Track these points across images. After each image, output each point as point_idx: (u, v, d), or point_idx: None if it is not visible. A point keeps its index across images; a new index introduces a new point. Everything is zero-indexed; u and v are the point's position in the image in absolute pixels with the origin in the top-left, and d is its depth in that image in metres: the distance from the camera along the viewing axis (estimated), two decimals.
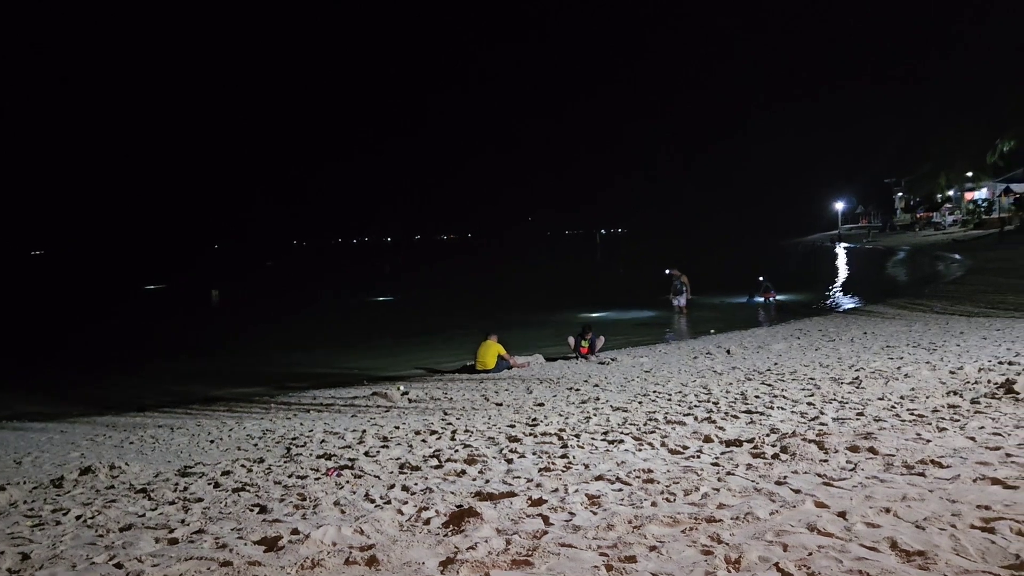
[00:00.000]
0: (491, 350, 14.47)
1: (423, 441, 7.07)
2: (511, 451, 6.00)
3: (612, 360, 14.26)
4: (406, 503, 4.52)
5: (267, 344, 21.37)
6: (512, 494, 4.51)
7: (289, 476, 5.96)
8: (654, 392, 9.26)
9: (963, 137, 59.29)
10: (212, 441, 9.08)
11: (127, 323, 30.26)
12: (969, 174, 64.87)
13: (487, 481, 5.00)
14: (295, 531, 4.02)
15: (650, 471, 4.78)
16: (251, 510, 4.77)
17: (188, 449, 8.71)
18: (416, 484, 5.10)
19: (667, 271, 23.41)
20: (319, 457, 6.74)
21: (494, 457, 5.83)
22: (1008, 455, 4.45)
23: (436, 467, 5.66)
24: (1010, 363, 8.45)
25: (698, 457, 5.21)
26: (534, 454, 5.81)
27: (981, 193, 67.70)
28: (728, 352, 13.59)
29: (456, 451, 6.26)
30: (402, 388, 12.01)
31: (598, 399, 9.08)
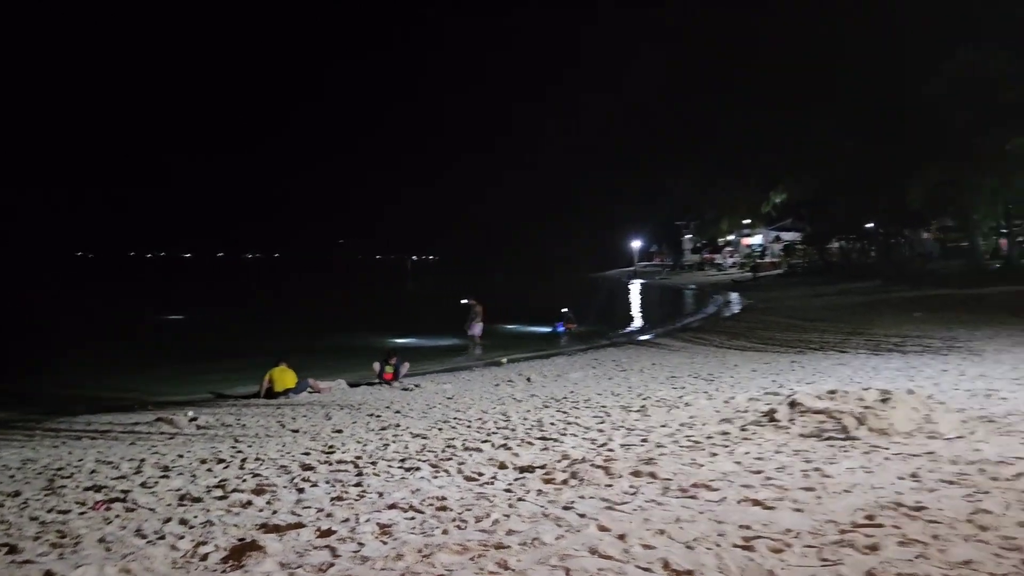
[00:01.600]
0: (288, 373, 13.98)
1: (208, 470, 6.64)
2: (303, 480, 5.78)
3: (416, 386, 14.21)
4: (182, 538, 4.21)
5: (34, 364, 19.20)
6: (300, 525, 4.34)
7: (49, 511, 5.38)
8: (455, 419, 9.31)
9: (742, 187, 65.59)
10: None
11: None
12: (747, 221, 71.61)
13: (275, 512, 4.78)
14: (48, 573, 3.61)
15: (444, 498, 4.78)
16: None
17: None
18: (196, 517, 4.77)
19: (463, 301, 23.92)
20: (87, 489, 6.13)
21: (284, 486, 5.58)
22: (768, 478, 4.88)
23: (220, 498, 5.33)
24: (775, 393, 9.31)
25: (492, 483, 5.28)
26: (327, 483, 5.62)
27: (757, 239, 75.01)
28: (528, 380, 13.97)
29: (244, 480, 5.93)
30: (190, 414, 11.25)
31: (398, 426, 8.98)
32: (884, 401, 6.70)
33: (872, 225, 52.25)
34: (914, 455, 5.35)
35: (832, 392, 7.17)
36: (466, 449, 6.81)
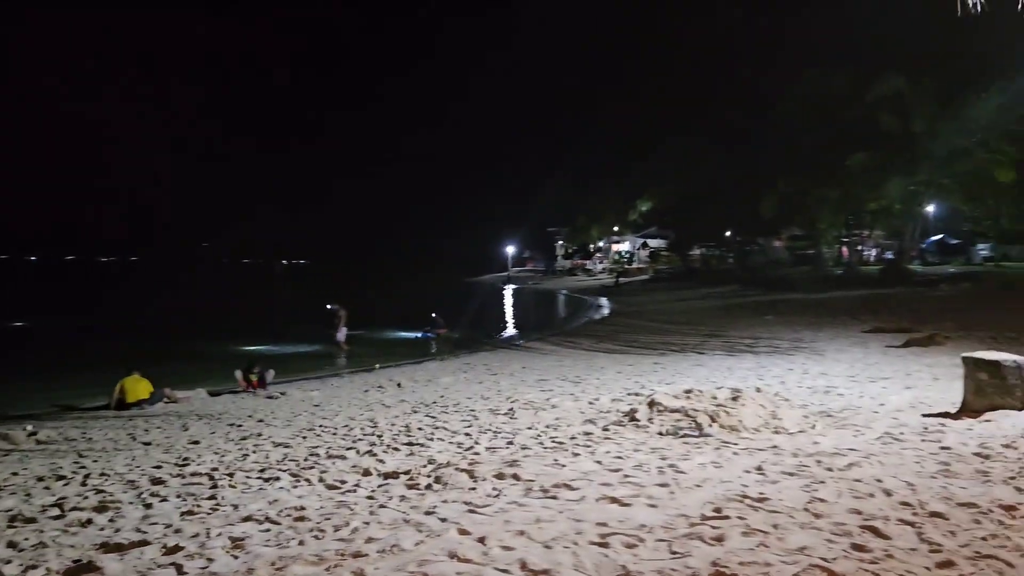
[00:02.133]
0: (142, 383, 13.22)
1: (46, 488, 6.17)
2: (152, 495, 5.47)
3: (282, 394, 13.77)
4: (9, 562, 3.88)
5: None
6: (145, 543, 4.10)
7: None
8: (320, 426, 9.08)
9: (612, 195, 67.85)
10: None
11: None
12: (616, 228, 74.07)
13: (117, 530, 4.49)
14: None
15: (303, 508, 4.64)
16: None
17: None
18: (27, 539, 4.42)
19: (328, 306, 23.49)
20: None
21: (131, 502, 5.26)
22: (626, 476, 5.03)
23: (57, 517, 4.97)
24: (636, 394, 9.65)
25: (355, 491, 5.18)
26: (179, 496, 5.35)
27: (625, 246, 77.69)
28: (399, 385, 13.82)
29: (85, 498, 5.54)
30: (29, 428, 10.42)
31: (260, 435, 8.67)
32: (735, 399, 7.07)
33: (730, 233, 55.16)
34: (760, 449, 5.67)
35: (688, 392, 7.49)
36: (330, 457, 6.66)
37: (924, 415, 7.10)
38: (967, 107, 33.91)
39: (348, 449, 7.02)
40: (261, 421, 10.20)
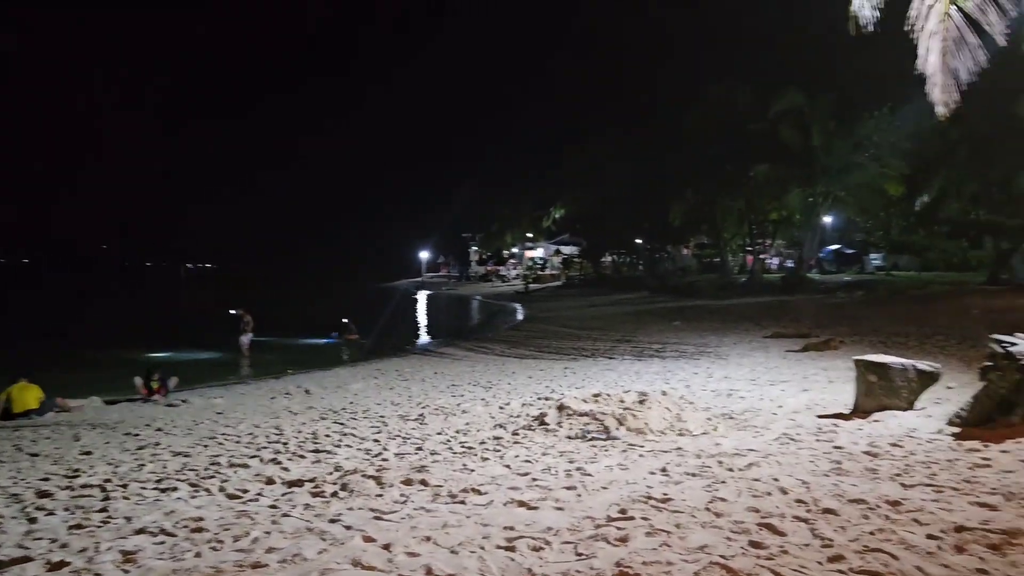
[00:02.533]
0: (30, 391, 12.49)
1: None
2: (37, 508, 5.16)
3: (183, 402, 13.25)
4: None
5: None
6: (27, 559, 3.87)
7: None
8: (223, 434, 8.77)
9: (526, 202, 68.49)
10: None
11: None
12: (530, 235, 74.67)
13: None
14: None
15: (201, 519, 4.47)
16: None
17: None
18: None
19: (232, 311, 22.84)
20: None
21: (13, 517, 4.95)
22: (534, 479, 5.05)
23: None
24: (547, 398, 9.73)
25: (257, 500, 5.02)
26: (67, 510, 5.07)
27: (539, 252, 78.39)
28: (307, 392, 13.52)
29: None
30: None
31: (158, 444, 8.30)
32: (642, 402, 7.20)
33: (640, 241, 56.41)
34: (665, 451, 5.79)
35: (597, 395, 7.59)
36: (232, 466, 6.44)
37: (819, 416, 7.40)
38: (860, 124, 35.82)
39: (251, 457, 6.80)
40: (160, 430, 9.78)
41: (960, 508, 4.05)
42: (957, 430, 6.06)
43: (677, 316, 26.76)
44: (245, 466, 6.35)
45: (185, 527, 4.32)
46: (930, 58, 7.64)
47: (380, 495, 4.85)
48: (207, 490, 5.41)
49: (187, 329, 29.02)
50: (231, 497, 5.17)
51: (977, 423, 6.07)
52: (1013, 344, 6.19)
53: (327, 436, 7.88)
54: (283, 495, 5.12)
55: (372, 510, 4.46)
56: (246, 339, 22.17)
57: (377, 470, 5.52)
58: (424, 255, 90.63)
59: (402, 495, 4.81)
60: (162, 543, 4.03)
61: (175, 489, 5.49)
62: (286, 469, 6.05)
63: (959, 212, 33.26)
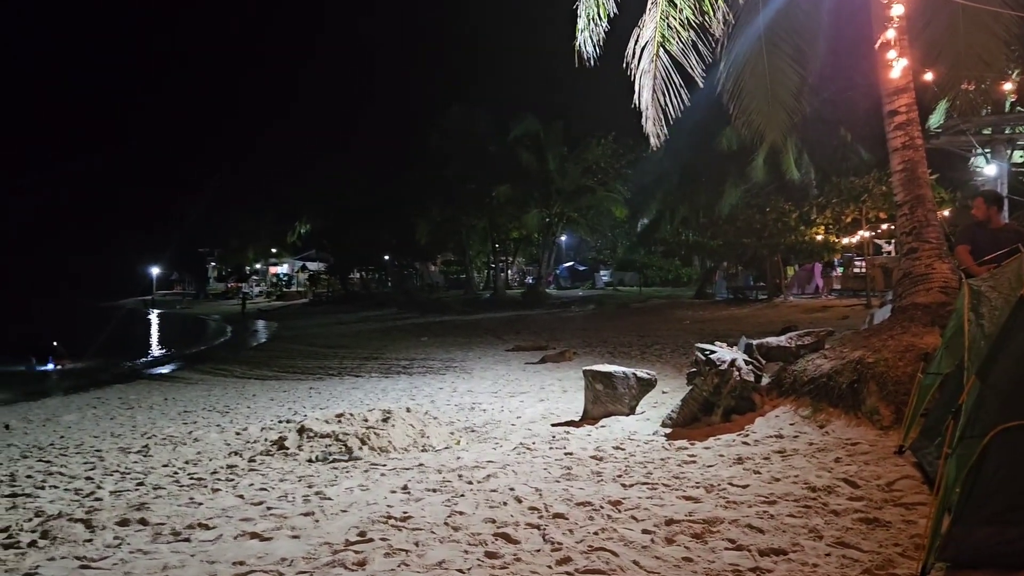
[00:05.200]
0: None
1: None
2: None
3: None
4: None
5: None
6: None
7: None
8: None
9: (268, 216, 65.88)
10: None
11: None
12: (274, 250, 71.77)
13: None
14: None
15: None
16: None
17: None
18: None
19: None
20: None
21: None
22: (269, 508, 4.80)
23: None
24: (288, 421, 9.34)
25: None
26: None
27: (283, 268, 75.57)
28: (7, 427, 11.81)
29: None
30: None
31: None
32: (386, 420, 7.16)
33: (388, 257, 56.51)
34: (407, 468, 5.78)
35: (340, 415, 7.42)
36: None
37: (553, 424, 7.83)
38: (588, 150, 38.93)
39: None
40: None
41: (671, 503, 4.47)
42: (669, 431, 6.70)
43: (425, 332, 27.08)
44: None
45: None
46: (643, 94, 8.45)
47: (90, 540, 4.33)
48: None
49: None
50: None
51: (685, 423, 6.77)
52: (712, 351, 6.99)
53: (28, 477, 6.91)
54: None
55: (79, 558, 3.97)
56: None
57: (87, 512, 4.93)
58: (155, 271, 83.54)
59: (116, 538, 4.34)
60: None
61: None
62: None
63: (672, 233, 37.21)
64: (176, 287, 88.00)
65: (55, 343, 23.03)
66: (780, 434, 6.05)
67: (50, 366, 22.29)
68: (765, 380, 7.30)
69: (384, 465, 5.97)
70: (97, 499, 5.56)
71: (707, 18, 8.33)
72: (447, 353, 19.23)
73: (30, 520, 4.97)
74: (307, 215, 57.47)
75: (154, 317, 59.02)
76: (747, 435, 6.20)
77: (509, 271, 55.06)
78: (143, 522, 4.61)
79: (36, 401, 16.22)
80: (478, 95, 41.57)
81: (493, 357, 17.42)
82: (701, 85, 8.41)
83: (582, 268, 56.28)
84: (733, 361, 6.88)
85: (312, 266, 71.24)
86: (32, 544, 4.36)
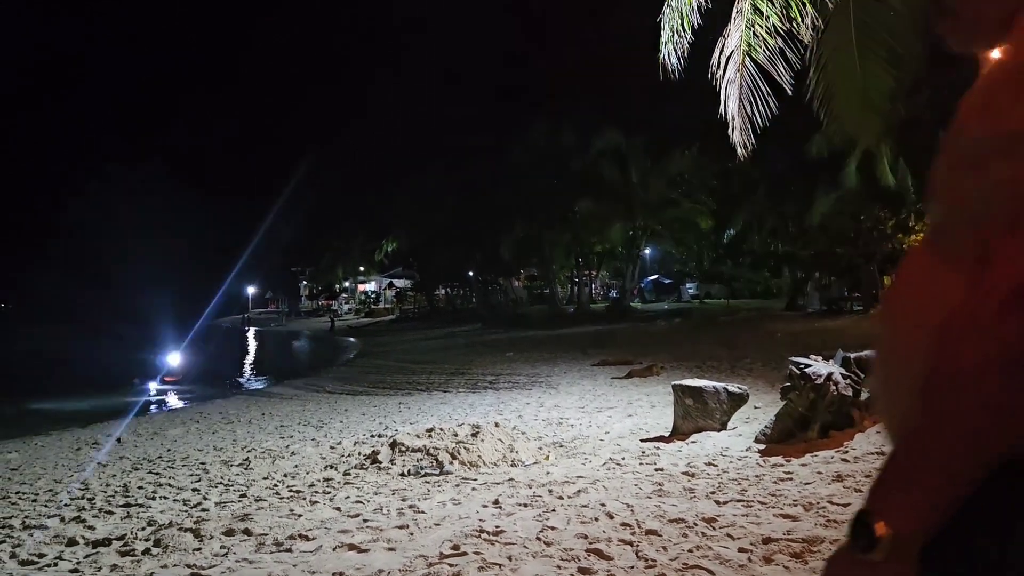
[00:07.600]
0: None
1: None
2: None
3: None
4: None
5: None
6: None
7: None
8: (17, 493, 7.90)
9: (357, 235, 67.63)
10: None
11: None
12: (362, 269, 73.54)
13: None
14: None
15: None
16: None
17: None
18: None
19: None
20: None
21: None
22: (365, 520, 4.92)
23: None
24: (380, 435, 9.55)
25: (56, 565, 4.56)
26: None
27: (371, 286, 77.32)
28: (119, 441, 12.49)
29: None
30: None
31: None
32: (475, 435, 7.23)
33: (472, 273, 57.08)
34: (497, 483, 5.83)
35: (430, 430, 7.54)
36: (26, 527, 5.81)
37: (642, 440, 7.75)
38: (672, 162, 38.49)
39: (51, 517, 6.17)
40: None
41: (767, 520, 4.36)
42: (763, 447, 6.54)
43: (510, 347, 27.21)
44: (42, 527, 5.75)
45: None
46: (729, 104, 8.32)
47: (198, 549, 4.54)
48: None
49: None
50: (25, 563, 4.66)
51: (780, 439, 6.59)
52: (808, 365, 6.79)
53: (140, 488, 7.30)
54: (87, 556, 4.68)
55: (189, 566, 4.17)
56: None
57: (195, 522, 5.17)
58: (251, 290, 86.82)
59: (223, 547, 4.53)
60: None
61: None
62: (91, 527, 5.54)
63: (760, 244, 36.27)
64: (270, 304, 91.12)
65: (160, 362, 24.21)
66: (881, 451, 5.82)
67: (153, 383, 23.43)
68: (864, 395, 7.04)
69: (475, 479, 6.04)
70: (204, 510, 5.82)
71: (795, 24, 8.14)
72: (533, 368, 19.28)
73: (143, 529, 5.24)
74: (394, 234, 58.62)
75: (251, 334, 61.32)
76: (846, 452, 6.00)
77: (593, 285, 54.78)
78: (247, 532, 4.79)
79: (145, 415, 17.11)
80: (558, 109, 41.58)
81: (579, 372, 17.36)
82: (789, 92, 8.23)
83: (667, 281, 55.51)
84: (829, 375, 6.67)
85: (399, 283, 72.66)
86: (146, 552, 4.60)
